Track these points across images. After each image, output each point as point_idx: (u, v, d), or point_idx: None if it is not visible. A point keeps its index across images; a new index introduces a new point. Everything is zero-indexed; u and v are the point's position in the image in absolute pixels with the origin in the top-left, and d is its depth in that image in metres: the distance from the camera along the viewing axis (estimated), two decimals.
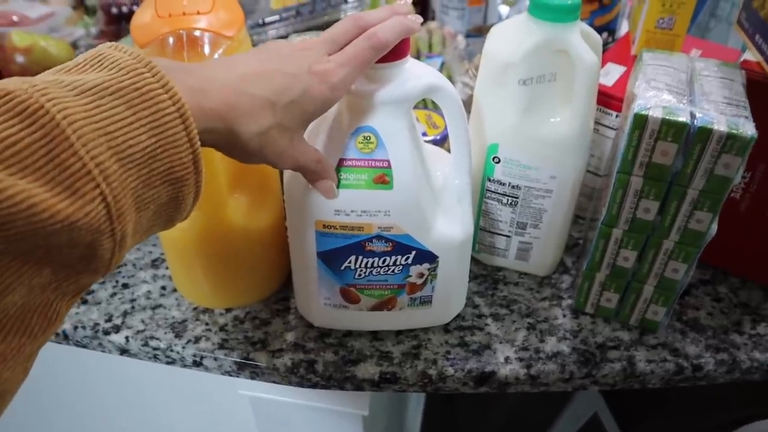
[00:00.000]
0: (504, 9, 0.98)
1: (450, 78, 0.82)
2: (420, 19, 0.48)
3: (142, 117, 0.32)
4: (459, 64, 0.82)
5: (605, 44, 0.85)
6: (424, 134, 0.70)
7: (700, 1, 0.86)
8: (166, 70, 0.34)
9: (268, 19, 0.87)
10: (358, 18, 0.46)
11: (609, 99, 0.64)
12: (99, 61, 0.33)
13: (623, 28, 0.91)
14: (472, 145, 0.59)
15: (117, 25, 0.98)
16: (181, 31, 0.50)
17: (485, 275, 0.67)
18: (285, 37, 0.84)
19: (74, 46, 0.99)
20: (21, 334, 0.30)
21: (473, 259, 0.67)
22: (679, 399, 0.92)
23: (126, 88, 0.32)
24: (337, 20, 0.91)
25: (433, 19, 1.06)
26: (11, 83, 0.28)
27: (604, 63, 0.70)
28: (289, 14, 0.89)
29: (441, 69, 0.83)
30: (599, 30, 0.84)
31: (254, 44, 0.86)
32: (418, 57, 0.90)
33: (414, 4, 1.01)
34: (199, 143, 0.35)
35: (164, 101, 0.33)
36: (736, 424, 0.79)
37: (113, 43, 0.35)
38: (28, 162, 0.27)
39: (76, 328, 0.61)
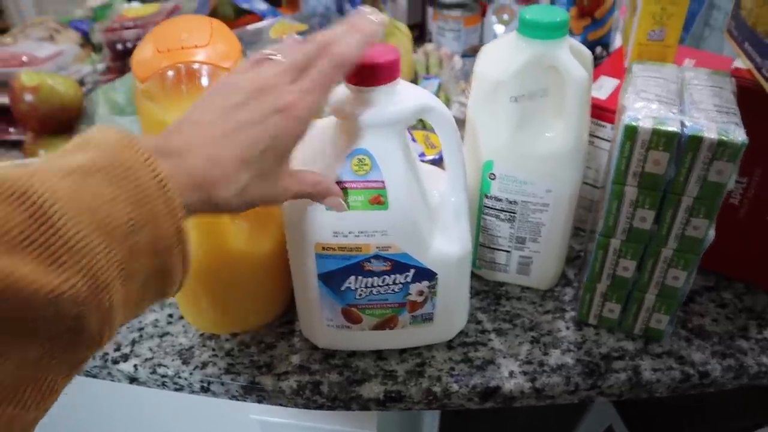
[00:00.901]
0: (499, 28, 0.99)
1: (447, 98, 0.83)
2: (381, 17, 0.46)
3: (124, 192, 0.33)
4: (455, 85, 0.83)
5: (599, 58, 0.86)
6: (422, 155, 0.71)
7: (691, 12, 0.87)
8: (148, 146, 0.36)
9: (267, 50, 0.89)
10: (317, 40, 0.45)
11: (603, 112, 0.65)
12: (87, 142, 0.35)
13: (617, 42, 0.92)
14: (468, 163, 0.60)
15: (122, 61, 1.00)
16: (179, 65, 0.51)
17: (487, 291, 0.67)
18: None
19: (82, 83, 1.01)
20: (14, 405, 0.30)
21: (475, 275, 0.68)
22: (692, 409, 0.92)
23: (108, 165, 0.33)
24: None
25: (429, 41, 1.08)
26: (9, 172, 0.31)
27: (597, 76, 0.71)
28: None
29: (438, 90, 0.84)
30: (593, 45, 0.85)
31: None
32: (416, 79, 0.91)
33: (411, 27, 1.03)
34: (181, 215, 0.36)
35: (145, 176, 0.34)
36: (751, 428, 0.79)
37: (102, 125, 0.37)
38: (15, 241, 0.29)
39: None
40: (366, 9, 0.47)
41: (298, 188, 0.46)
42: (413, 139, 0.73)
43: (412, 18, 1.12)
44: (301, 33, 0.93)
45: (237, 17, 1.12)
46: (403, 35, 0.89)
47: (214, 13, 1.10)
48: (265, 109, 0.41)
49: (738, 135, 0.48)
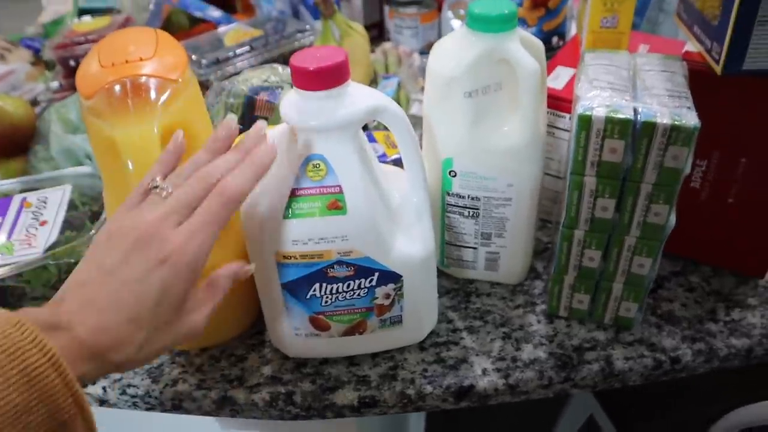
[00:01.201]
0: (456, 23, 0.99)
1: (406, 97, 0.82)
2: (275, 148, 0.46)
3: (10, 377, 0.34)
4: (414, 83, 0.82)
5: (556, 48, 0.86)
6: (384, 155, 0.71)
7: None
8: (37, 321, 0.36)
9: (222, 56, 0.88)
10: (205, 174, 0.43)
11: (560, 102, 0.64)
12: None
13: (572, 31, 0.92)
14: (428, 161, 0.59)
15: (75, 78, 0.98)
16: (125, 79, 0.50)
17: (457, 289, 0.67)
18: (235, 74, 0.85)
19: (35, 101, 0.99)
20: None
21: (444, 274, 0.67)
22: (671, 394, 0.92)
23: None
24: (292, 52, 0.92)
25: (388, 39, 1.07)
26: None
27: (554, 66, 0.71)
28: (244, 49, 0.89)
29: (398, 89, 0.84)
30: (549, 35, 0.85)
31: (209, 85, 0.86)
32: (375, 79, 0.90)
33: (369, 27, 1.03)
34: (77, 386, 0.36)
35: (34, 356, 0.34)
36: (728, 410, 0.79)
37: None
38: None
39: None
40: (262, 126, 0.48)
41: (209, 307, 0.45)
42: (374, 140, 0.73)
43: (370, 17, 1.12)
44: (256, 38, 0.91)
45: (192, 26, 1.11)
46: (359, 35, 0.88)
47: (167, 23, 1.08)
48: (149, 263, 0.40)
49: (690, 119, 0.48)
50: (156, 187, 0.43)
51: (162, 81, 0.51)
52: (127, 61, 0.51)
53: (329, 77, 0.46)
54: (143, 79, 0.51)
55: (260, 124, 0.48)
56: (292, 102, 0.49)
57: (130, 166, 0.49)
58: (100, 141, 0.52)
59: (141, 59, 0.52)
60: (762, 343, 0.59)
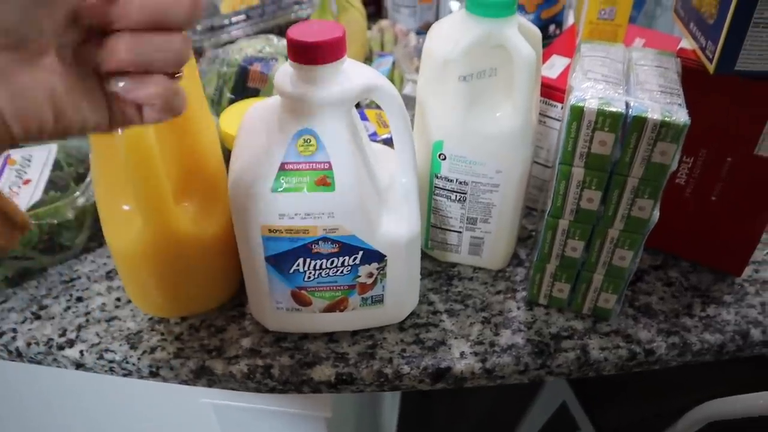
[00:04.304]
0: (455, 5, 0.98)
1: (400, 76, 0.82)
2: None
3: None
4: (410, 62, 0.82)
5: (553, 36, 0.86)
6: (375, 134, 0.71)
7: None
8: None
9: (217, 23, 0.87)
10: None
11: (553, 91, 0.65)
12: None
13: (570, 20, 0.92)
14: (419, 143, 0.59)
15: None
16: None
17: (439, 272, 0.67)
18: (229, 42, 0.84)
19: None
20: None
21: (427, 256, 0.68)
22: (644, 383, 0.94)
23: None
24: (288, 23, 0.91)
25: (385, 17, 1.07)
26: None
27: (550, 55, 0.71)
28: (239, 18, 0.88)
29: (392, 67, 0.83)
30: (546, 23, 0.85)
31: (202, 52, 0.85)
32: (370, 56, 0.90)
33: (366, 4, 1.02)
34: None
35: None
36: (699, 403, 0.81)
37: None
38: None
39: (29, 344, 0.61)
40: None
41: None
42: (365, 118, 0.73)
43: None
44: (252, 7, 0.90)
45: None
46: (356, 11, 0.87)
47: None
48: None
49: (680, 116, 0.48)
50: None
51: None
52: None
53: (326, 52, 0.46)
54: None
55: None
56: (287, 75, 0.48)
57: (119, 131, 0.48)
58: None
59: None
60: (734, 339, 0.60)
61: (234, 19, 0.88)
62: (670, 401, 0.91)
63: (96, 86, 0.33)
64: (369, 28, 0.95)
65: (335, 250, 0.52)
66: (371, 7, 1.12)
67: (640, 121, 0.48)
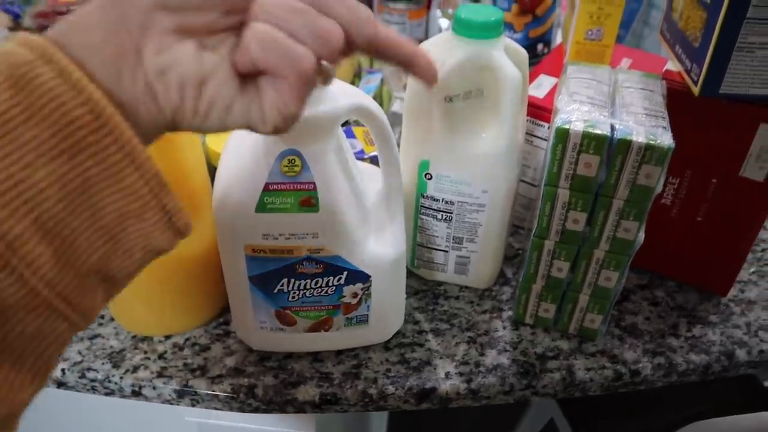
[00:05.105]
0: (444, 22, 0.98)
1: (389, 93, 0.82)
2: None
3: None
4: (398, 80, 0.82)
5: (541, 55, 0.87)
6: (362, 151, 0.70)
7: (631, 10, 0.88)
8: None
9: None
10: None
11: (540, 111, 0.65)
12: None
13: (559, 39, 0.93)
14: (405, 162, 0.59)
15: None
16: None
17: (426, 290, 0.67)
18: None
19: None
20: None
21: (414, 275, 0.68)
22: (631, 400, 0.94)
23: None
24: None
25: None
26: None
27: (537, 74, 0.71)
28: None
29: (380, 84, 0.83)
30: (534, 42, 0.85)
31: None
32: (359, 72, 0.90)
33: None
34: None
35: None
36: (686, 421, 0.81)
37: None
38: None
39: None
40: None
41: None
42: (353, 136, 0.72)
43: None
44: None
45: None
46: None
47: None
48: None
49: (665, 139, 0.48)
50: None
51: None
52: None
53: None
54: None
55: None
56: None
57: None
58: None
59: None
60: (719, 360, 0.60)
61: None
62: (657, 418, 0.91)
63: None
64: None
65: (320, 270, 0.52)
66: None
67: (625, 144, 0.48)
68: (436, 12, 0.99)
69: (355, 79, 0.89)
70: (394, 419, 1.40)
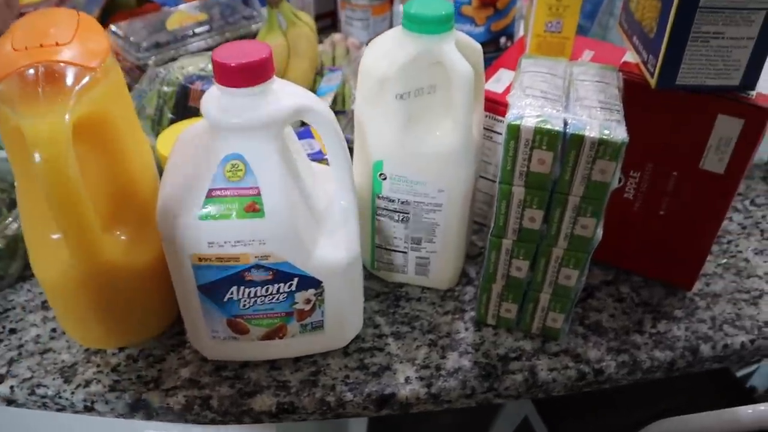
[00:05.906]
0: None
1: (349, 91, 0.81)
2: None
3: None
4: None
5: (504, 49, 0.85)
6: (320, 152, 0.69)
7: (595, 1, 0.87)
8: None
9: (162, 40, 0.84)
10: None
11: (498, 106, 0.63)
12: None
13: (522, 32, 0.91)
14: (359, 162, 0.58)
15: None
16: (37, 65, 0.47)
17: (387, 293, 0.65)
18: (174, 59, 0.81)
19: None
20: None
21: (374, 277, 0.66)
22: (603, 396, 0.93)
23: None
24: (237, 38, 0.89)
25: (338, 30, 1.05)
26: None
27: (498, 68, 0.69)
28: (185, 34, 0.86)
29: (342, 82, 0.82)
30: (497, 35, 0.84)
31: (140, 70, 0.83)
32: (321, 71, 0.88)
33: (322, 17, 1.00)
34: None
35: None
36: (656, 417, 0.80)
37: None
38: None
39: None
40: None
41: None
42: (310, 136, 0.71)
43: (323, 7, 1.09)
44: (200, 23, 0.88)
45: (139, 5, 1.06)
46: (306, 26, 0.85)
47: (112, 2, 1.04)
48: None
49: (619, 133, 0.47)
50: None
51: (78, 68, 0.48)
52: (41, 45, 0.48)
53: (251, 74, 0.44)
54: (57, 65, 0.48)
55: None
56: (213, 98, 0.46)
57: (37, 159, 0.46)
58: (8, 130, 0.49)
59: (57, 44, 0.49)
60: (684, 356, 0.59)
61: (180, 36, 0.86)
62: (630, 413, 0.90)
63: None
64: (321, 41, 0.94)
65: (269, 277, 0.50)
66: (327, 20, 1.11)
67: (578, 139, 0.47)
68: (399, 7, 0.97)
69: (317, 77, 0.87)
70: (373, 418, 1.39)
